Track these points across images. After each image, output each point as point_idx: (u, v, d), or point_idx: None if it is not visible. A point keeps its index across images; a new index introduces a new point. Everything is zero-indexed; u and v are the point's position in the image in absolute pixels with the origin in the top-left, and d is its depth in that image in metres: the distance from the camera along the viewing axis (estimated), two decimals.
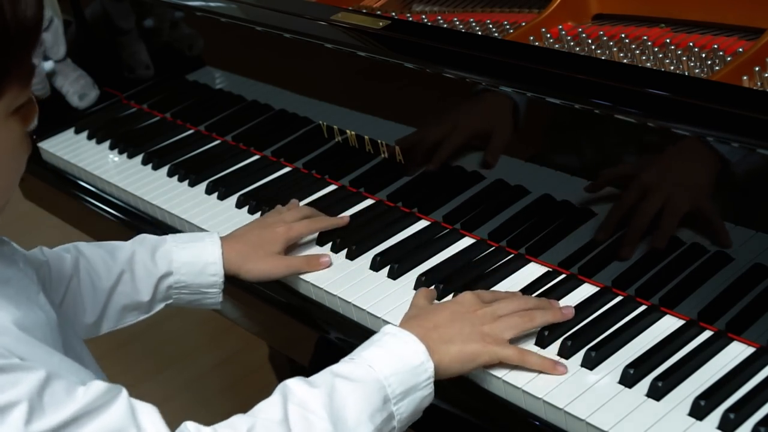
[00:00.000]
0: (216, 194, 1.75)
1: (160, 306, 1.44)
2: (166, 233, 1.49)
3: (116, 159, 1.97)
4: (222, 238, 1.46)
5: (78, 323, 1.39)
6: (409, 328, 1.17)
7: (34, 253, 1.39)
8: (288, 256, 1.48)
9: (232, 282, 1.58)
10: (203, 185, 1.78)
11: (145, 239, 1.45)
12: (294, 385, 1.09)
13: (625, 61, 1.43)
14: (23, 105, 1.03)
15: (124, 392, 1.01)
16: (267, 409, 1.07)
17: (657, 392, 1.13)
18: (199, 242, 1.44)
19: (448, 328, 1.18)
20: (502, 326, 1.21)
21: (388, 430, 1.11)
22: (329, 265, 1.47)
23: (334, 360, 1.15)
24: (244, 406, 1.11)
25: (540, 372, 1.19)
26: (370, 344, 1.15)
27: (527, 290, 1.34)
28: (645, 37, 1.47)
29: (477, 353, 1.18)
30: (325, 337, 1.44)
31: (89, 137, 2.07)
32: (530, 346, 1.25)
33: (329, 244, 1.53)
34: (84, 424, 0.97)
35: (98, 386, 0.99)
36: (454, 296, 1.33)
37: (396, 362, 1.12)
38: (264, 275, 1.46)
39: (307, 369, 1.36)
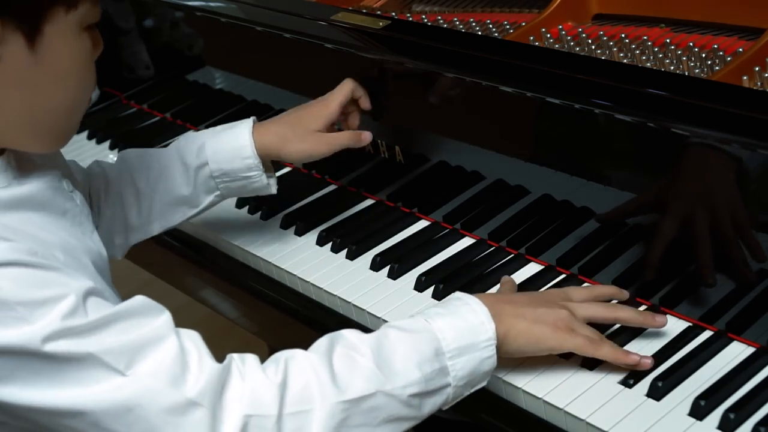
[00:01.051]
0: None
1: (209, 198, 1.43)
2: (166, 233, 1.49)
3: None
4: (259, 123, 1.42)
5: (128, 225, 1.43)
6: (481, 296, 1.16)
7: (91, 167, 1.45)
8: (329, 133, 1.43)
9: (231, 281, 1.59)
10: None
11: (187, 135, 1.46)
12: (347, 332, 1.10)
13: (625, 61, 1.43)
14: (92, 27, 1.08)
15: (168, 312, 1.05)
16: (313, 346, 1.09)
17: (657, 392, 1.13)
18: (231, 128, 1.42)
19: (523, 305, 1.16)
20: (579, 320, 1.17)
21: (440, 384, 1.08)
22: (370, 140, 1.45)
23: None
24: None
25: (613, 362, 1.16)
26: (435, 306, 1.15)
27: (527, 290, 1.34)
28: (645, 37, 1.47)
29: (544, 336, 1.15)
30: None
31: (89, 137, 2.07)
32: None
33: (329, 244, 1.53)
34: (123, 327, 0.99)
35: (143, 298, 1.03)
36: None
37: (454, 318, 1.11)
38: (306, 155, 1.42)
39: None
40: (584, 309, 1.19)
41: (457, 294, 1.16)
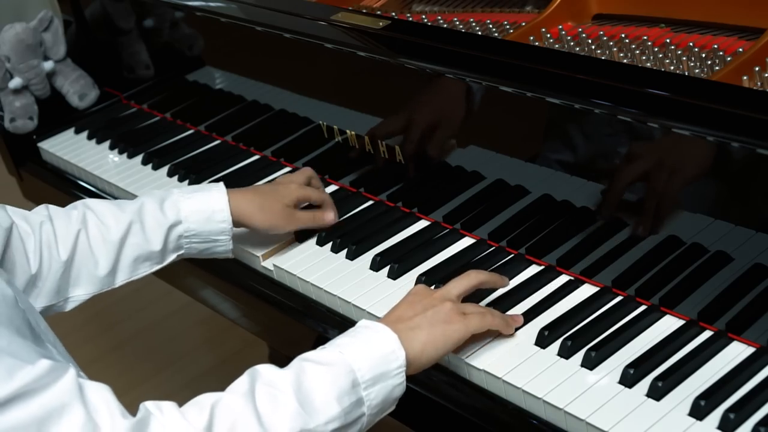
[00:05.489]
0: None
1: (173, 256, 1.46)
2: None
3: (116, 159, 1.97)
4: (230, 189, 1.47)
5: (91, 276, 1.41)
6: (383, 321, 1.19)
7: (36, 211, 1.42)
8: (296, 211, 1.51)
9: (230, 281, 1.58)
10: None
11: (152, 193, 1.48)
12: (263, 368, 1.10)
13: (625, 61, 1.43)
14: None
15: (72, 370, 1.01)
16: (233, 386, 1.09)
17: (657, 392, 1.14)
18: (205, 191, 1.46)
19: (411, 317, 1.19)
20: (461, 304, 1.23)
21: (357, 415, 1.11)
22: (334, 221, 1.53)
23: None
24: None
25: (500, 331, 1.25)
26: (344, 335, 1.17)
27: (527, 290, 1.35)
28: (645, 37, 1.47)
29: (445, 334, 1.19)
30: (324, 336, 1.44)
31: (89, 137, 2.07)
32: (530, 346, 1.25)
33: (329, 244, 1.53)
34: (26, 402, 0.96)
35: (43, 365, 0.99)
36: None
37: (366, 349, 1.13)
38: (272, 226, 1.48)
39: None
40: (454, 288, 1.25)
41: (363, 322, 1.18)
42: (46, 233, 1.39)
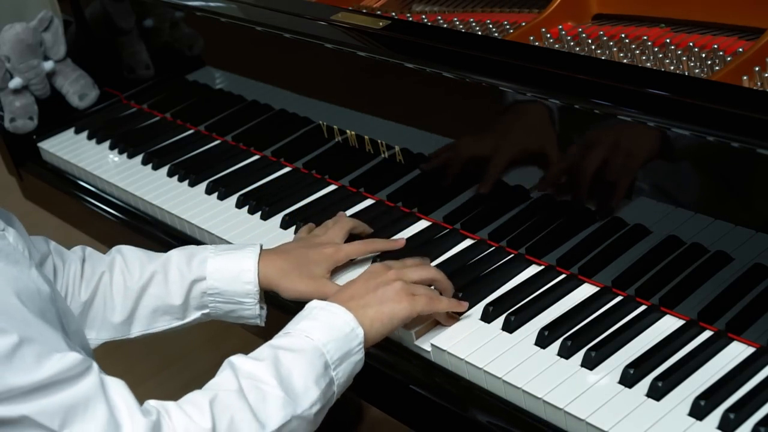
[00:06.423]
0: (216, 194, 1.75)
1: (196, 314, 1.41)
2: (166, 234, 1.49)
3: (116, 159, 1.97)
4: (265, 251, 1.40)
5: (106, 321, 1.40)
6: (334, 300, 1.24)
7: (74, 250, 1.43)
8: (329, 281, 1.40)
9: None
10: (203, 185, 1.78)
11: (188, 246, 1.44)
12: (238, 360, 1.15)
13: (625, 61, 1.43)
14: None
15: (95, 366, 1.05)
16: (221, 382, 1.13)
17: (657, 392, 1.13)
18: (237, 251, 1.39)
19: (363, 295, 1.25)
20: (412, 285, 1.27)
21: (329, 395, 1.16)
22: None
23: None
24: None
25: (449, 311, 1.30)
26: (302, 318, 1.21)
27: (527, 290, 1.35)
28: (645, 37, 1.47)
29: (393, 311, 1.24)
30: None
31: (89, 137, 2.07)
32: (530, 346, 1.25)
33: None
34: (53, 392, 1.01)
35: (72, 357, 1.03)
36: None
37: (330, 331, 1.18)
38: (301, 296, 1.38)
39: None
40: (412, 274, 1.29)
41: (316, 303, 1.23)
42: (73, 273, 1.40)
